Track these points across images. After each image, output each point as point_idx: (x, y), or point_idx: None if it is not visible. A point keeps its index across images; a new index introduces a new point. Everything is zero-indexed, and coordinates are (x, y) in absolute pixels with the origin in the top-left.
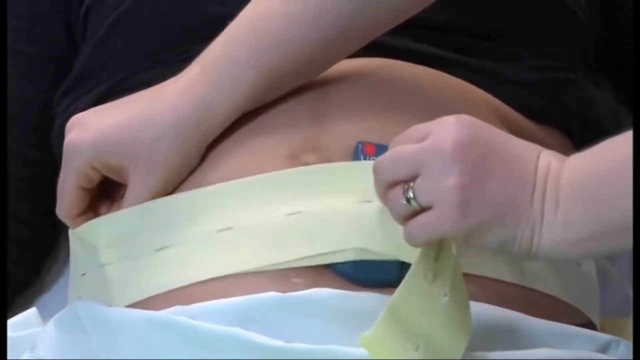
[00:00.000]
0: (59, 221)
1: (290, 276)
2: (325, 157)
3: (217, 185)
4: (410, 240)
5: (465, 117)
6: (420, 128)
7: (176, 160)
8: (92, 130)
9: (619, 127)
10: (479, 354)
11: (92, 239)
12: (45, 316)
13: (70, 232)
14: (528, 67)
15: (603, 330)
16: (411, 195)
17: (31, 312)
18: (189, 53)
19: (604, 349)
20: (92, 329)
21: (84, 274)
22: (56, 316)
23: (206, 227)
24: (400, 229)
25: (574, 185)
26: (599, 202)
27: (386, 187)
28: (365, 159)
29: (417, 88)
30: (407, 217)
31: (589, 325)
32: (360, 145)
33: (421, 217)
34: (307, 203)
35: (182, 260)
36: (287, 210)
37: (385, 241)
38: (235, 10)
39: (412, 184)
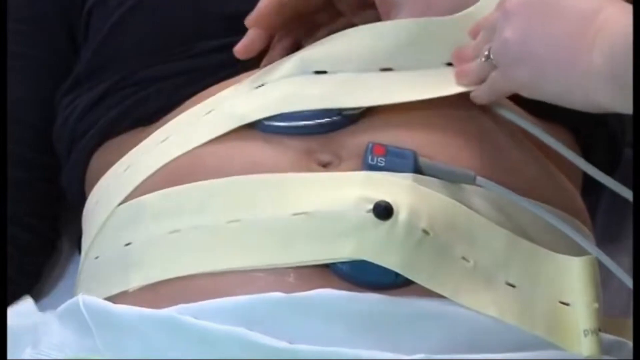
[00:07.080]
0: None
1: (289, 274)
2: (338, 155)
3: (230, 178)
4: (478, 98)
5: None
6: None
7: None
8: None
9: (621, 125)
10: (479, 355)
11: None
12: None
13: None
14: None
15: (604, 330)
16: (486, 53)
17: (28, 302)
18: (192, 50)
19: (606, 349)
20: (94, 326)
21: (97, 257)
22: (59, 310)
23: (216, 216)
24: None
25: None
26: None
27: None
28: (373, 159)
29: None
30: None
31: None
32: (370, 145)
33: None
34: (314, 205)
35: (188, 247)
36: (294, 210)
37: (384, 249)
38: (239, 8)
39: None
